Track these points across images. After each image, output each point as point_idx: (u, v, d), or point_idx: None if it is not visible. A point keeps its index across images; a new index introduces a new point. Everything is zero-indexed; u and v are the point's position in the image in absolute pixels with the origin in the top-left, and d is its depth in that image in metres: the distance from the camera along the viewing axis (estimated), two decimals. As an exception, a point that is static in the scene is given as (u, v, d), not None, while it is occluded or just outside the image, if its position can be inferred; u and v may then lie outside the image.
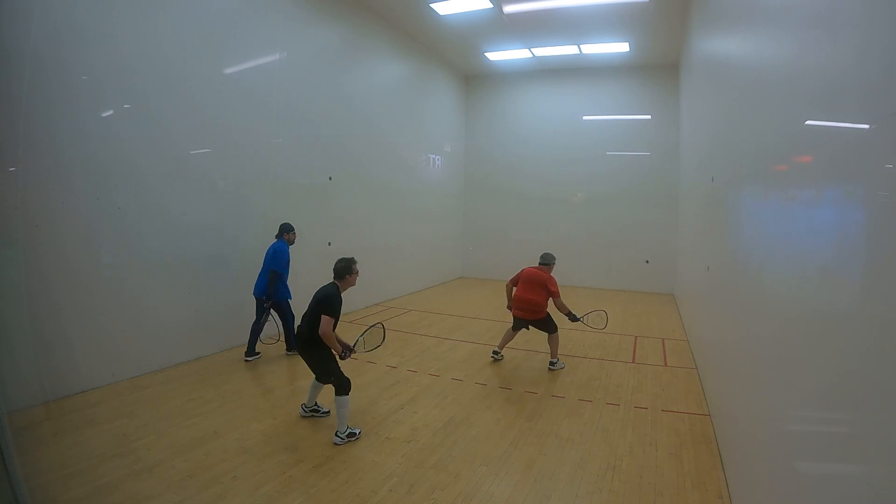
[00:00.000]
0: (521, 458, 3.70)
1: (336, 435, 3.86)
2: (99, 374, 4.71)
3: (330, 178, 7.99)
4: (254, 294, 5.86)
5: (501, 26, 9.40)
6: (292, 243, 5.96)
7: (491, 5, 8.37)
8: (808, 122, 2.05)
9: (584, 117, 12.05)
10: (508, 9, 8.56)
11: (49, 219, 4.30)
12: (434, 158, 11.83)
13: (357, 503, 3.09)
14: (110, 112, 4.82)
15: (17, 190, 4.08)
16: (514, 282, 5.90)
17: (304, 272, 7.46)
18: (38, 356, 4.15)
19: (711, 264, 4.95)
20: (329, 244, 7.92)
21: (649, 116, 11.51)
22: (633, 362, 6.15)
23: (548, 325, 5.77)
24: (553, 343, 5.80)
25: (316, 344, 3.88)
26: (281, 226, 5.93)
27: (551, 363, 5.83)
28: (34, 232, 4.19)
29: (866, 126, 1.47)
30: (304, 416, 4.28)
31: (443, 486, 3.29)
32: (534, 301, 5.64)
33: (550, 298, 5.65)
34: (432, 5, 8.55)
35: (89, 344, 4.63)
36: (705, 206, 5.71)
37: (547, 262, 5.91)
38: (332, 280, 4.05)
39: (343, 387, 3.90)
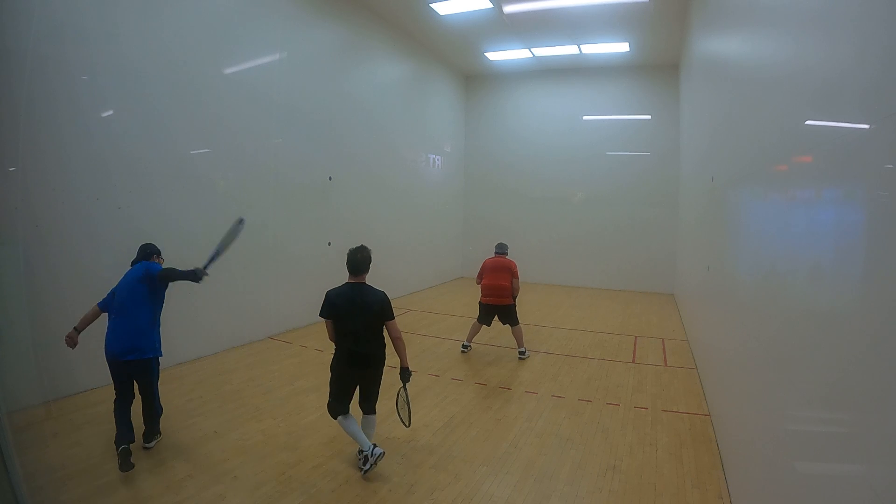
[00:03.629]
0: (521, 458, 3.70)
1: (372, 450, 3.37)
2: (99, 374, 4.68)
3: (330, 178, 7.99)
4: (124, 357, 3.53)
5: (501, 26, 9.40)
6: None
7: (491, 5, 8.37)
8: (807, 122, 2.05)
9: (584, 117, 12.04)
10: (508, 9, 8.56)
11: (49, 219, 4.30)
12: (434, 158, 11.83)
13: (357, 503, 3.09)
14: (111, 112, 4.82)
15: (17, 190, 4.08)
16: (480, 276, 6.25)
17: (305, 274, 7.49)
18: (38, 356, 4.15)
19: (711, 264, 4.95)
20: (329, 244, 7.92)
21: (649, 116, 11.50)
22: (633, 362, 6.14)
23: (511, 317, 6.10)
24: (517, 334, 6.11)
25: (382, 361, 3.52)
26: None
27: (521, 353, 6.08)
28: (34, 232, 4.19)
29: (866, 126, 1.47)
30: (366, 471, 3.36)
31: (443, 486, 3.29)
32: (502, 286, 6.03)
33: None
34: (432, 5, 8.55)
35: (89, 344, 4.62)
36: (705, 206, 5.71)
37: (503, 250, 6.37)
38: (351, 279, 3.50)
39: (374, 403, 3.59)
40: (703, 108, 6.27)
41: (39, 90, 4.17)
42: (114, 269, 4.86)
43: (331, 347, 6.08)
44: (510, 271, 6.05)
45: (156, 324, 3.63)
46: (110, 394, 4.54)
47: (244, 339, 6.31)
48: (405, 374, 3.53)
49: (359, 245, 3.57)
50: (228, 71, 6.14)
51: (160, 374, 3.73)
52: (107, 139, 4.74)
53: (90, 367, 4.64)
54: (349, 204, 8.47)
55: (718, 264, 4.49)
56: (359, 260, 3.48)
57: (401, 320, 8.13)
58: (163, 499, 3.05)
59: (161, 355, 3.67)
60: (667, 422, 4.38)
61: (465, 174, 13.34)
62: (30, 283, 4.10)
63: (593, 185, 12.03)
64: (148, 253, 3.87)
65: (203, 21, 5.71)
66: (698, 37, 6.71)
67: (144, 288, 3.59)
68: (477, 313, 6.28)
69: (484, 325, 6.24)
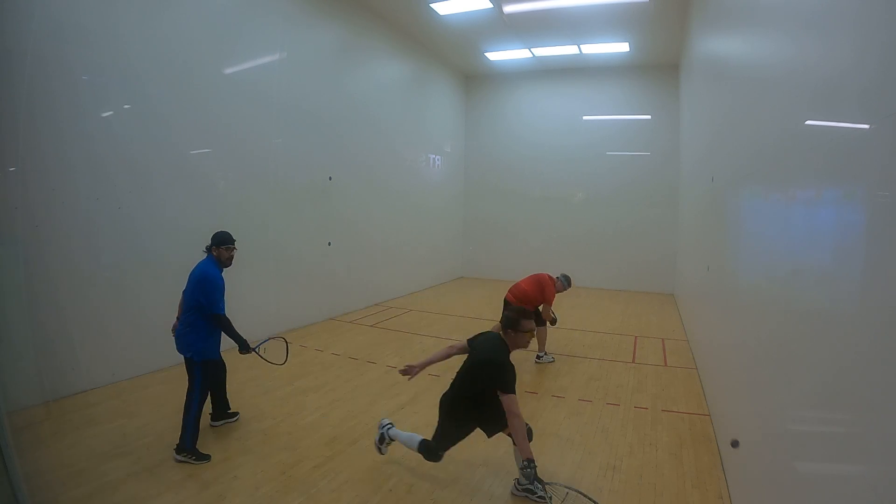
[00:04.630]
0: (521, 458, 3.70)
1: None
2: (99, 374, 4.71)
3: (330, 178, 8.00)
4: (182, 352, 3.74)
5: (501, 26, 9.40)
6: (227, 264, 3.88)
7: (491, 5, 8.37)
8: (807, 122, 2.05)
9: (584, 117, 12.04)
10: (508, 9, 8.56)
11: (49, 219, 4.31)
12: (434, 158, 11.83)
13: (357, 503, 3.09)
14: (111, 112, 4.82)
15: (17, 190, 4.08)
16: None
17: (305, 274, 7.49)
18: (38, 356, 4.15)
19: (711, 264, 4.95)
20: (329, 244, 7.92)
21: (649, 116, 11.50)
22: (633, 362, 6.14)
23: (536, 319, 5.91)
24: (540, 336, 5.91)
25: (450, 410, 3.14)
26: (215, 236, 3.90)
27: (538, 356, 5.97)
28: (34, 232, 4.19)
29: (866, 126, 1.47)
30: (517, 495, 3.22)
31: (443, 486, 3.29)
32: (527, 292, 5.83)
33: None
34: (432, 5, 8.55)
35: (89, 344, 4.64)
36: (705, 206, 5.71)
37: (562, 279, 6.11)
38: (495, 332, 3.25)
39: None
40: (703, 107, 6.27)
41: (39, 90, 4.17)
42: (114, 269, 4.89)
43: (330, 347, 6.06)
44: (542, 290, 5.76)
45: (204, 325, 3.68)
46: (110, 394, 4.57)
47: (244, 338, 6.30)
48: (526, 467, 2.72)
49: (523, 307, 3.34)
50: (229, 71, 6.14)
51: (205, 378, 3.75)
52: (107, 139, 4.74)
53: (90, 368, 4.65)
54: (349, 204, 8.47)
55: (718, 264, 4.49)
56: (504, 315, 3.40)
57: (401, 320, 8.22)
58: (163, 499, 3.05)
59: (207, 357, 3.73)
60: (667, 422, 4.37)
61: (465, 174, 13.34)
62: (30, 283, 4.10)
63: (593, 185, 12.03)
64: (208, 246, 3.86)
65: (203, 21, 5.71)
66: (698, 37, 6.71)
67: (194, 297, 3.68)
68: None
69: None
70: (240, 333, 3.75)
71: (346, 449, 3.76)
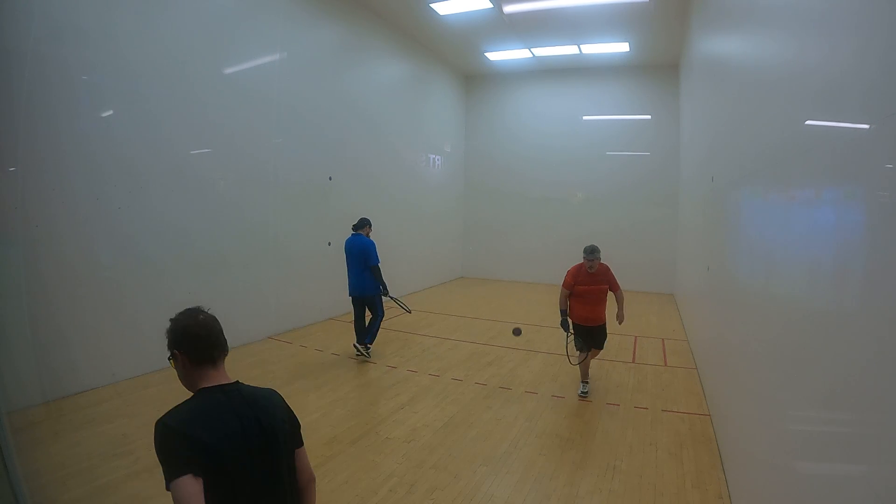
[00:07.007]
0: (521, 458, 3.70)
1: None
2: (99, 374, 4.71)
3: (330, 179, 7.99)
4: (352, 294, 5.96)
5: (501, 26, 9.39)
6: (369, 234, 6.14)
7: (491, 5, 8.37)
8: (808, 122, 2.05)
9: (584, 117, 12.04)
10: (508, 9, 8.55)
11: (48, 219, 4.30)
12: (434, 158, 11.83)
13: (357, 503, 3.09)
14: (110, 112, 4.82)
15: (16, 190, 4.08)
16: None
17: (305, 274, 7.48)
18: (38, 356, 4.15)
19: (712, 264, 4.95)
20: (329, 244, 7.91)
21: (649, 116, 11.50)
22: (633, 362, 6.14)
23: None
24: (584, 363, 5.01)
25: None
26: (360, 220, 6.17)
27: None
28: (33, 232, 4.18)
29: (866, 126, 1.47)
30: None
31: (443, 486, 3.29)
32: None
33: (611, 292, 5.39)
34: (432, 5, 8.55)
35: (89, 344, 4.64)
36: (705, 206, 5.71)
37: (587, 254, 5.20)
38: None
39: None
40: (703, 108, 6.27)
41: (39, 90, 4.17)
42: (114, 268, 4.89)
43: (330, 347, 6.03)
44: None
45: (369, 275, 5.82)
46: (110, 394, 4.57)
47: (244, 339, 6.30)
48: None
49: None
50: (228, 71, 6.14)
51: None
52: (107, 139, 4.73)
53: (89, 368, 4.65)
54: (349, 204, 8.45)
55: (719, 264, 4.49)
56: None
57: (401, 320, 8.22)
58: (163, 499, 3.02)
59: (378, 293, 5.90)
60: (667, 422, 4.38)
61: (465, 174, 13.33)
62: (29, 283, 4.10)
63: (593, 186, 12.02)
64: (359, 225, 6.03)
65: (202, 21, 5.70)
66: (698, 37, 6.71)
67: (361, 258, 5.78)
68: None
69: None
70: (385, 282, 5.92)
71: (346, 449, 3.76)
